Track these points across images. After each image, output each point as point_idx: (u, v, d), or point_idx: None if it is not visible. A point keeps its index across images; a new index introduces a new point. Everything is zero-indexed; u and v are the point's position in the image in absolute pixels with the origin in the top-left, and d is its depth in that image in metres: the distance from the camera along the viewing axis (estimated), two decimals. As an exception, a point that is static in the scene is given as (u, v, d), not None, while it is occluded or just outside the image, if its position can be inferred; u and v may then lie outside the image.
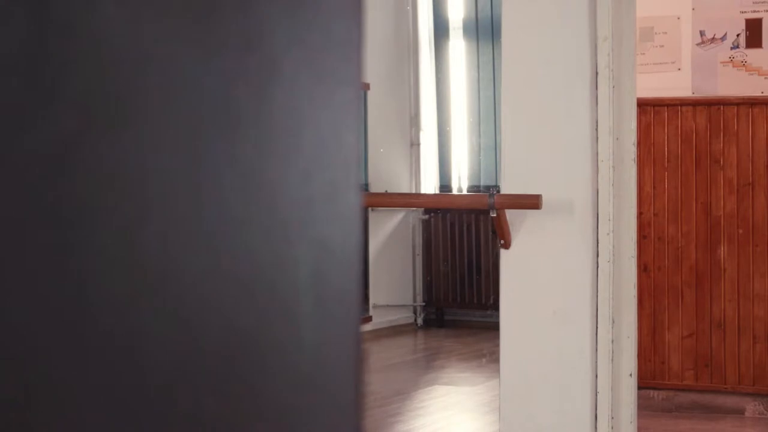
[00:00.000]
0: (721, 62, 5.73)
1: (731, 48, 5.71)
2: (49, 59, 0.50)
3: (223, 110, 0.58)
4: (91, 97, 0.51)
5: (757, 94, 5.66)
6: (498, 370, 4.02)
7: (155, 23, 0.54)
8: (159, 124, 0.54)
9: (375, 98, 8.90)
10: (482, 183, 9.16)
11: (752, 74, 5.70)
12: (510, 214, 3.91)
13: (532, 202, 3.82)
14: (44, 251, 0.50)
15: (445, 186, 9.38)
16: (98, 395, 0.53)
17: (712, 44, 5.73)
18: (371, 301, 8.79)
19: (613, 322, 3.86)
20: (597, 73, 3.86)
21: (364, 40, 0.66)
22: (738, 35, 5.70)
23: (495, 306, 7.79)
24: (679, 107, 5.71)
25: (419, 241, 9.27)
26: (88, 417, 0.52)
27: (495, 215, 3.88)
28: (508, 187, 3.94)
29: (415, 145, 9.35)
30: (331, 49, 0.64)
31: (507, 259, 3.98)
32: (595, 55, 3.86)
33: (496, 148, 8.78)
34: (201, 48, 0.56)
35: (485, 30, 9.14)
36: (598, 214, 3.85)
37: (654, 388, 5.64)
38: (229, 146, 0.58)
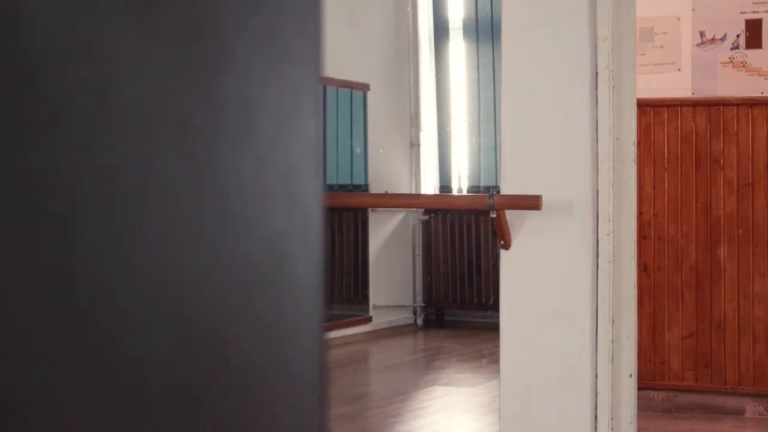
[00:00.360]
0: (721, 63, 5.73)
1: (731, 48, 5.71)
2: None
3: (169, 102, 0.55)
4: (21, 98, 0.49)
5: (757, 94, 5.66)
6: (498, 371, 4.02)
7: (86, 16, 0.52)
8: (98, 121, 0.52)
9: (375, 98, 8.90)
10: (482, 183, 9.16)
11: (752, 75, 5.70)
12: (510, 215, 3.91)
13: (532, 203, 3.82)
14: None
15: (445, 186, 9.38)
16: (86, 392, 0.53)
17: (712, 45, 5.73)
18: (371, 302, 8.79)
19: (613, 322, 3.86)
20: (597, 74, 3.86)
21: (322, 14, 0.63)
22: (738, 36, 5.70)
23: (495, 306, 7.79)
24: (679, 108, 5.71)
25: (419, 241, 9.27)
26: (84, 413, 0.52)
27: (495, 216, 3.88)
28: (508, 188, 3.94)
29: (415, 145, 9.35)
30: (285, 27, 0.61)
31: (507, 259, 3.98)
32: (595, 55, 3.86)
33: (496, 148, 8.78)
34: (142, 37, 0.54)
35: (485, 30, 9.14)
36: (598, 214, 3.85)
37: (654, 389, 5.64)
38: (177, 138, 0.56)
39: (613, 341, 3.86)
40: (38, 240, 0.50)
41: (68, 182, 0.51)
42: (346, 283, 8.87)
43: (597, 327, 3.86)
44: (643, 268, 5.51)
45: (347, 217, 8.85)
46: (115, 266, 0.53)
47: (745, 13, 5.69)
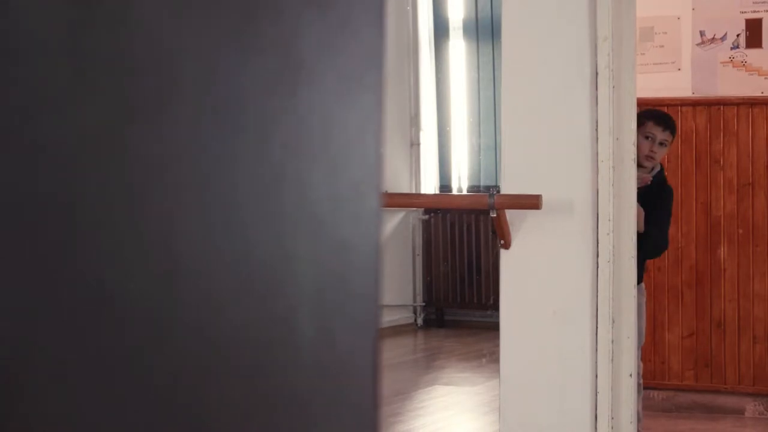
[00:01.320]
0: (721, 62, 5.73)
1: (731, 48, 5.71)
2: (90, 48, 0.51)
3: (257, 108, 0.59)
4: (127, 88, 0.53)
5: (757, 94, 5.66)
6: (498, 370, 4.02)
7: (195, 19, 0.56)
8: (193, 118, 0.56)
9: (375, 98, 8.89)
10: (482, 183, 9.16)
11: (752, 74, 5.70)
12: (510, 215, 3.91)
13: (532, 203, 3.82)
14: (52, 248, 0.50)
15: (445, 186, 9.38)
16: (102, 393, 0.53)
17: (712, 44, 5.73)
18: (371, 301, 8.79)
19: (613, 322, 3.86)
20: (597, 74, 3.86)
21: (387, 48, 0.69)
22: (738, 35, 5.70)
23: (495, 306, 7.78)
24: (679, 107, 5.71)
25: (419, 241, 9.27)
26: (93, 412, 0.52)
27: (495, 215, 3.88)
28: (508, 187, 3.94)
29: (415, 145, 9.35)
30: (358, 55, 0.66)
31: (507, 259, 3.98)
32: (595, 55, 3.86)
33: (496, 148, 8.78)
34: (238, 47, 0.58)
35: (485, 30, 9.14)
36: (598, 214, 3.85)
37: (654, 388, 5.64)
38: (260, 143, 0.60)
39: (613, 341, 3.86)
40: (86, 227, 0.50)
41: (166, 179, 0.55)
42: (346, 282, 8.87)
43: (597, 327, 3.86)
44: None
45: (347, 216, 8.84)
46: (195, 265, 0.56)
47: (745, 12, 5.69)
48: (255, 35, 0.59)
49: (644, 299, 4.57)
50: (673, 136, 4.50)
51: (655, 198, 4.41)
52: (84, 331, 0.52)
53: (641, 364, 4.56)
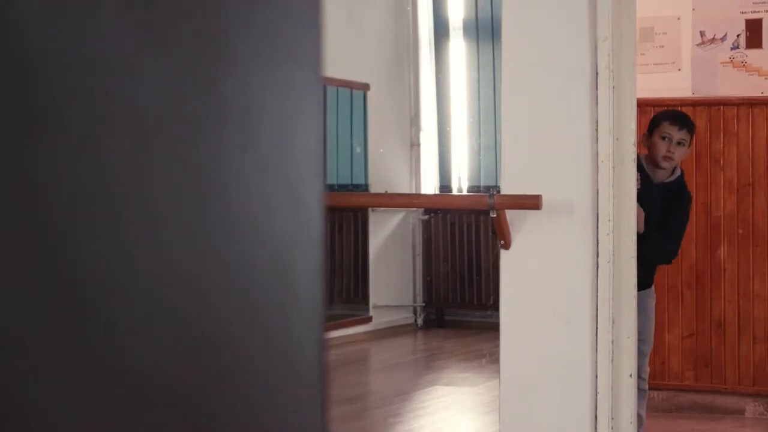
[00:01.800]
0: (721, 62, 5.73)
1: (731, 48, 5.71)
2: None
3: (172, 105, 0.55)
4: (23, 103, 0.49)
5: (757, 94, 5.66)
6: (498, 371, 4.02)
7: (93, 20, 0.51)
8: (102, 124, 0.52)
9: (375, 98, 8.90)
10: (482, 183, 9.16)
11: (752, 74, 5.70)
12: (510, 215, 3.91)
13: (532, 203, 3.82)
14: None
15: (445, 186, 9.38)
16: (87, 394, 0.53)
17: (712, 44, 5.73)
18: (371, 302, 8.79)
19: (613, 322, 3.86)
20: (597, 74, 3.86)
21: (322, 20, 0.63)
22: (738, 35, 5.70)
23: (495, 306, 7.78)
24: (679, 107, 5.71)
25: (419, 241, 9.27)
26: (85, 415, 0.52)
27: (495, 215, 3.88)
28: (508, 188, 3.94)
29: (415, 145, 9.35)
30: (286, 31, 0.61)
31: (507, 259, 3.98)
32: (595, 55, 3.86)
33: (496, 148, 8.78)
34: (145, 42, 0.54)
35: (485, 30, 9.14)
36: (598, 214, 3.85)
37: (654, 389, 5.64)
38: (180, 142, 0.56)
39: (613, 341, 3.86)
40: (41, 244, 0.50)
41: (72, 187, 0.51)
42: (346, 282, 8.87)
43: (597, 327, 3.86)
44: (643, 268, 5.52)
45: (347, 216, 8.85)
46: (118, 269, 0.53)
47: (745, 12, 5.69)
48: (164, 26, 0.54)
49: (654, 303, 4.57)
50: (691, 135, 4.45)
51: (674, 201, 4.40)
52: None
53: (648, 369, 4.56)
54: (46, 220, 0.50)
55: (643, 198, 4.23)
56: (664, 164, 4.35)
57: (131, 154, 0.54)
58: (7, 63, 0.49)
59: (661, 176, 4.40)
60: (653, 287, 4.58)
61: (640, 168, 4.35)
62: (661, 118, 4.43)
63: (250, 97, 0.59)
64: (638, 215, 4.07)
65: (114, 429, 0.53)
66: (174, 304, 0.56)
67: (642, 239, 4.08)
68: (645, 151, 4.46)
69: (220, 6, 0.58)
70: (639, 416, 4.43)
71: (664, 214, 4.36)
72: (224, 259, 0.59)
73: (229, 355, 0.60)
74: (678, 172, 4.45)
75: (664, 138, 4.34)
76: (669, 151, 4.34)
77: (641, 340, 4.43)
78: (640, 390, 4.43)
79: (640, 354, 4.44)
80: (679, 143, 4.36)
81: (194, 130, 0.57)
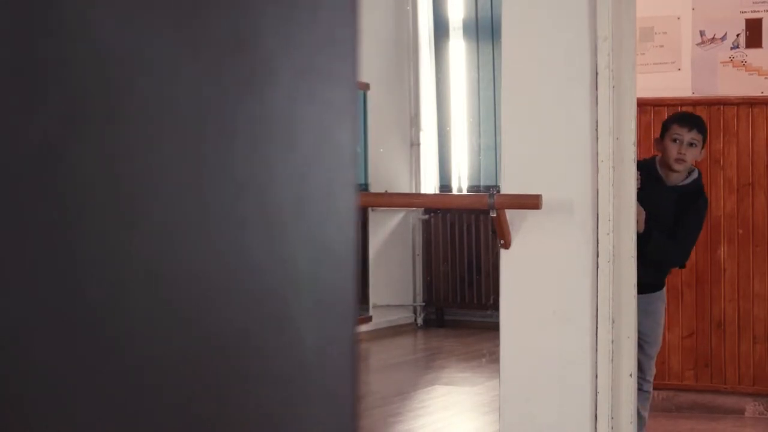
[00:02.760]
0: (721, 62, 5.73)
1: (731, 48, 5.71)
2: (39, 61, 0.49)
3: (216, 112, 0.57)
4: (80, 99, 0.51)
5: (757, 94, 5.66)
6: (498, 370, 4.02)
7: (145, 25, 0.53)
8: (151, 126, 0.54)
9: (375, 98, 8.90)
10: (482, 183, 9.16)
11: (752, 74, 5.70)
12: (510, 214, 3.91)
13: (532, 202, 3.82)
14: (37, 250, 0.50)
15: (445, 186, 9.38)
16: (94, 392, 0.53)
17: (712, 44, 5.73)
18: (371, 301, 8.79)
19: (613, 322, 3.86)
20: (597, 74, 3.86)
21: (359, 38, 0.66)
22: (738, 35, 5.70)
23: (495, 306, 7.79)
24: (679, 107, 5.70)
25: (419, 241, 9.27)
26: (96, 416, 0.52)
27: (495, 215, 3.88)
28: (508, 187, 3.94)
29: (415, 145, 9.35)
30: (326, 48, 0.63)
31: (507, 259, 3.98)
32: (595, 55, 3.86)
33: (496, 148, 8.78)
34: (192, 49, 0.56)
35: (485, 30, 9.14)
36: (598, 214, 3.85)
37: (654, 388, 5.63)
38: (222, 148, 0.58)
39: (613, 341, 3.86)
40: (68, 240, 0.50)
41: (117, 187, 0.53)
42: (346, 282, 8.86)
43: (597, 327, 3.86)
44: (643, 268, 5.52)
45: (347, 216, 8.84)
46: (153, 273, 0.55)
47: (745, 12, 5.69)
48: (210, 34, 0.57)
49: (663, 306, 4.59)
50: (703, 135, 4.41)
51: (689, 204, 4.38)
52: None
53: (654, 371, 4.57)
54: (87, 218, 0.52)
55: (649, 199, 4.23)
56: (677, 167, 4.33)
57: (170, 155, 0.55)
58: (57, 62, 0.50)
59: (674, 179, 4.39)
60: (664, 290, 4.57)
61: (653, 170, 4.36)
62: (670, 121, 4.43)
63: (287, 105, 0.62)
64: (638, 215, 4.07)
65: (119, 430, 0.53)
66: (210, 308, 0.57)
67: (643, 239, 4.09)
68: (659, 154, 4.46)
69: (256, 17, 0.60)
70: (641, 416, 4.44)
71: (677, 217, 4.35)
72: (260, 263, 0.60)
73: (261, 359, 0.61)
74: (695, 175, 4.43)
75: (675, 140, 4.33)
76: (680, 153, 4.32)
77: (648, 343, 4.44)
78: (644, 391, 4.44)
79: (647, 356, 4.45)
80: (690, 144, 4.34)
81: (233, 134, 0.58)
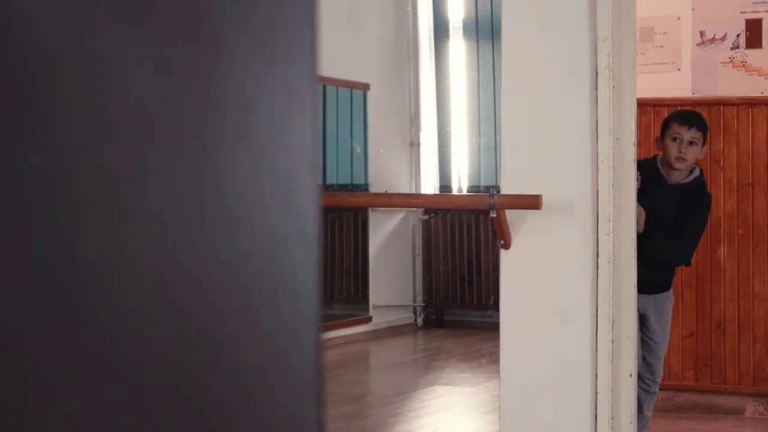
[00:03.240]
0: (721, 62, 5.73)
1: (731, 48, 5.71)
2: None
3: (165, 102, 0.55)
4: (14, 100, 0.49)
5: (757, 94, 5.66)
6: (498, 371, 4.02)
7: (81, 17, 0.51)
8: (94, 121, 0.52)
9: (375, 98, 8.90)
10: (482, 183, 9.16)
11: (752, 74, 5.70)
12: (510, 215, 3.91)
13: (532, 203, 3.82)
14: None
15: (445, 186, 9.38)
16: (81, 392, 0.53)
17: (712, 44, 5.73)
18: (371, 302, 8.79)
19: (613, 322, 3.86)
20: (597, 74, 3.86)
21: (318, 16, 0.63)
22: (738, 35, 5.70)
23: (495, 306, 7.78)
24: (679, 107, 5.71)
25: (419, 241, 9.27)
26: (78, 413, 0.52)
27: (495, 215, 3.88)
28: (508, 188, 3.94)
29: (415, 145, 9.35)
30: (281, 28, 0.61)
31: (507, 259, 3.98)
32: (595, 55, 3.86)
33: (496, 148, 8.78)
34: (135, 39, 0.53)
35: (485, 30, 9.14)
36: (598, 214, 3.85)
37: (654, 389, 5.64)
38: (173, 139, 0.56)
39: (612, 341, 3.86)
40: (35, 241, 0.50)
41: (64, 184, 0.51)
42: (346, 282, 8.87)
43: (597, 327, 3.86)
44: (643, 268, 5.52)
45: (347, 216, 8.85)
46: (111, 267, 0.53)
47: (745, 12, 5.69)
48: (154, 22, 0.54)
49: (671, 306, 4.58)
50: (703, 133, 4.38)
51: (692, 201, 4.36)
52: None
53: (662, 372, 4.56)
54: (37, 216, 0.50)
55: (651, 199, 4.23)
56: (678, 165, 4.30)
57: (123, 151, 0.53)
58: (1, 63, 0.49)
59: (676, 177, 4.36)
60: (671, 290, 4.56)
61: (654, 170, 4.34)
62: (670, 120, 4.40)
63: (244, 93, 0.59)
64: (638, 215, 4.07)
65: (110, 428, 0.53)
66: (168, 302, 0.56)
67: (643, 239, 4.08)
68: (660, 153, 4.45)
69: (210, 3, 0.57)
70: (646, 417, 4.44)
71: (680, 216, 4.34)
72: (218, 256, 0.58)
73: (224, 353, 0.59)
74: (696, 173, 4.41)
75: (675, 139, 4.30)
76: (681, 152, 4.29)
77: (658, 344, 4.44)
78: (651, 393, 4.44)
79: (657, 357, 4.45)
80: (691, 143, 4.31)
81: (187, 127, 0.56)
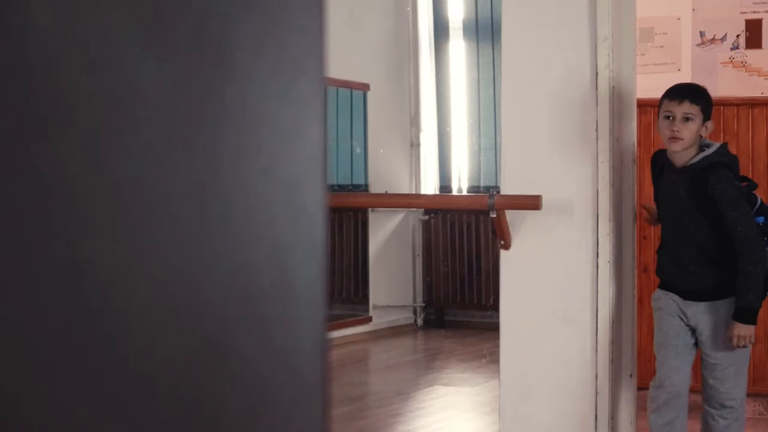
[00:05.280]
0: (721, 63, 5.73)
1: (731, 48, 5.71)
2: None
3: (173, 112, 0.56)
4: (24, 105, 0.49)
5: (757, 94, 5.66)
6: (498, 371, 4.02)
7: (95, 25, 0.52)
8: (102, 129, 0.52)
9: (375, 98, 8.90)
10: (482, 183, 9.16)
11: (752, 75, 5.70)
12: (510, 215, 3.91)
13: (532, 203, 3.82)
14: None
15: (445, 186, 9.38)
16: (89, 396, 0.53)
17: (712, 45, 5.73)
18: (371, 302, 8.79)
19: (613, 322, 3.86)
20: (597, 74, 3.86)
21: (326, 29, 0.64)
22: (738, 36, 5.70)
23: (495, 306, 7.79)
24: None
25: (419, 241, 9.27)
26: (86, 417, 0.52)
27: (495, 216, 3.88)
28: (508, 188, 3.94)
29: (415, 145, 9.35)
30: (291, 41, 0.61)
31: (507, 259, 3.98)
32: (595, 55, 3.86)
33: (496, 148, 8.78)
34: (147, 48, 0.54)
35: (485, 30, 9.14)
36: (598, 214, 3.85)
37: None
38: (181, 148, 0.56)
39: (613, 341, 3.86)
40: (42, 246, 0.50)
41: (73, 190, 0.51)
42: (346, 283, 8.87)
43: (597, 327, 3.86)
44: (642, 268, 5.51)
45: (347, 217, 8.85)
46: (118, 274, 0.54)
47: (745, 13, 5.69)
48: (167, 33, 0.54)
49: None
50: (701, 106, 3.75)
51: (701, 182, 3.68)
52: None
53: (738, 395, 4.19)
54: (45, 221, 0.50)
55: (665, 190, 3.77)
56: (673, 146, 3.67)
57: (130, 157, 0.54)
58: (8, 65, 0.49)
59: (680, 159, 3.71)
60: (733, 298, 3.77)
61: (664, 158, 3.79)
62: (662, 97, 3.77)
63: (252, 103, 0.60)
64: (650, 211, 3.97)
65: (113, 429, 0.53)
66: (174, 307, 0.56)
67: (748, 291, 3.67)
68: None
69: (219, 14, 0.58)
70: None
71: (697, 201, 3.68)
72: (224, 264, 0.59)
73: (229, 358, 0.60)
74: (708, 150, 3.73)
75: (667, 117, 3.69)
76: (674, 131, 3.65)
77: (718, 362, 4.00)
78: (728, 425, 4.03)
79: (718, 379, 4.04)
80: (686, 118, 3.68)
81: (193, 135, 0.57)
